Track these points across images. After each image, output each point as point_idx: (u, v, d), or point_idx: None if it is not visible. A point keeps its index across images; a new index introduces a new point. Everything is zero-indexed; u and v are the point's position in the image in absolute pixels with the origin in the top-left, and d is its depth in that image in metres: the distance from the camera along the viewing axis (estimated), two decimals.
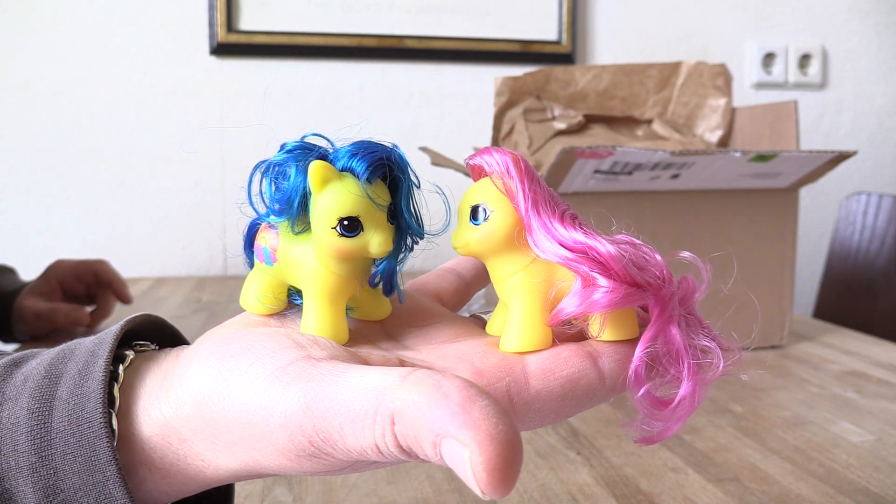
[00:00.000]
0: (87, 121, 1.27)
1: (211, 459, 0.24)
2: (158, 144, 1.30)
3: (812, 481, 0.46)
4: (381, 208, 0.25)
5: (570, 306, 0.24)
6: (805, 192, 0.78)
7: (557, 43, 1.40)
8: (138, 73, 1.28)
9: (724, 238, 0.76)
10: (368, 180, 0.25)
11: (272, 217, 0.26)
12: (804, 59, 1.53)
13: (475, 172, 0.27)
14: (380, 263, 0.27)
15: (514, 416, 0.23)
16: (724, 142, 0.86)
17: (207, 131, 1.31)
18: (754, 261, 0.77)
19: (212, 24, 1.28)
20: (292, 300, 0.28)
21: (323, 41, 1.32)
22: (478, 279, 0.33)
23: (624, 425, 0.27)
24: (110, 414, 0.24)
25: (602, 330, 0.25)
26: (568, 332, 0.26)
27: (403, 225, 0.27)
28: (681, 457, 0.50)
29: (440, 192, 0.27)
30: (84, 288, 0.78)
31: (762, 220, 0.77)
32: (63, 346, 0.27)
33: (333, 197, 0.25)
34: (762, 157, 0.68)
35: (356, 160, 0.25)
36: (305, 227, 0.26)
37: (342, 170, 0.25)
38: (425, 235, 0.27)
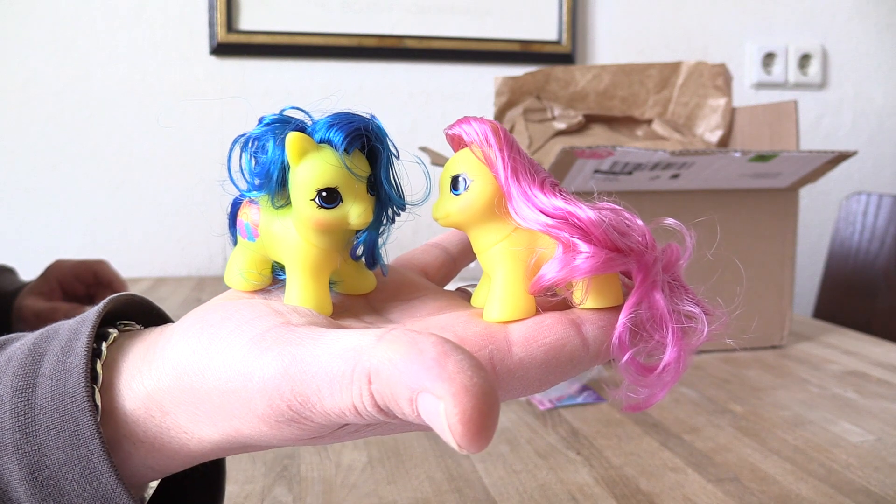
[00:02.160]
0: (87, 121, 1.27)
1: (194, 431, 0.24)
2: (158, 144, 1.30)
3: (812, 481, 0.46)
4: (360, 179, 0.25)
5: (550, 272, 0.24)
6: (805, 192, 0.78)
7: (557, 43, 1.40)
8: (138, 73, 1.28)
9: (724, 238, 0.76)
10: (346, 151, 0.25)
11: (253, 192, 0.26)
12: (804, 59, 1.53)
13: (454, 142, 0.27)
14: (361, 235, 0.27)
15: (497, 383, 0.23)
16: (724, 142, 0.86)
17: (207, 131, 1.31)
18: (754, 261, 0.77)
19: (212, 24, 1.28)
20: (276, 276, 0.28)
21: (323, 41, 1.32)
22: (464, 254, 0.33)
23: (611, 393, 0.27)
24: (93, 389, 0.24)
25: (585, 297, 0.24)
26: (552, 302, 0.25)
27: (383, 196, 0.26)
28: (681, 457, 0.50)
29: (420, 162, 0.27)
30: (84, 288, 0.78)
31: (762, 220, 0.77)
32: (46, 327, 0.26)
33: (311, 168, 0.24)
34: (762, 157, 0.68)
35: (334, 131, 0.25)
36: (286, 201, 0.25)
37: (320, 141, 0.25)
38: (406, 206, 0.27)
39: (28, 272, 0.86)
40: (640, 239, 0.25)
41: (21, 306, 0.72)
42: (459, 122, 0.27)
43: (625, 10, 1.45)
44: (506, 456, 0.50)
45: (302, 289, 0.26)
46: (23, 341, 0.26)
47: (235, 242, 0.29)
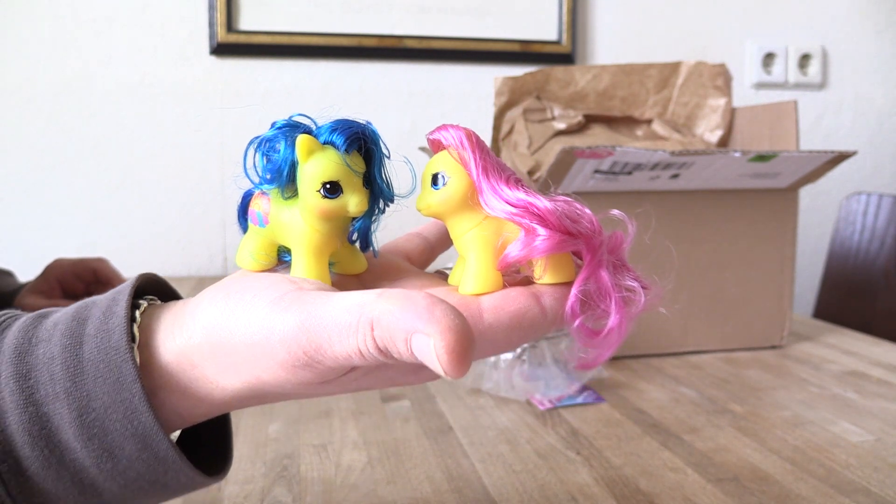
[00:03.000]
0: (87, 121, 1.27)
1: (219, 381, 0.28)
2: (158, 144, 1.30)
3: (812, 481, 0.46)
4: (357, 174, 0.29)
5: (514, 252, 0.29)
6: (805, 192, 0.78)
7: (557, 43, 1.40)
8: (138, 73, 1.28)
9: (724, 238, 0.76)
10: (347, 151, 0.29)
11: (265, 185, 0.30)
12: (804, 59, 1.53)
13: (434, 146, 0.32)
14: (357, 222, 0.31)
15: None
16: (723, 142, 0.86)
17: (207, 131, 1.31)
18: (754, 261, 0.77)
19: (212, 24, 1.28)
20: (281, 258, 0.32)
21: (323, 41, 1.32)
22: (441, 241, 0.38)
23: (567, 358, 0.33)
24: (132, 345, 0.28)
25: (543, 274, 0.29)
26: (516, 278, 0.30)
27: (376, 189, 0.31)
28: (680, 457, 0.50)
29: (407, 161, 0.31)
30: (83, 286, 0.78)
31: (762, 220, 0.77)
32: (81, 301, 0.30)
33: (318, 165, 0.29)
34: (762, 157, 0.68)
35: (336, 134, 0.30)
36: (293, 193, 0.30)
37: (324, 143, 0.29)
38: (395, 198, 0.31)
39: (28, 272, 0.86)
40: (588, 225, 0.30)
41: (21, 305, 0.72)
42: (438, 128, 0.31)
43: (625, 10, 1.45)
44: (505, 456, 0.50)
45: (306, 268, 0.30)
46: (63, 311, 0.30)
47: (245, 230, 0.33)
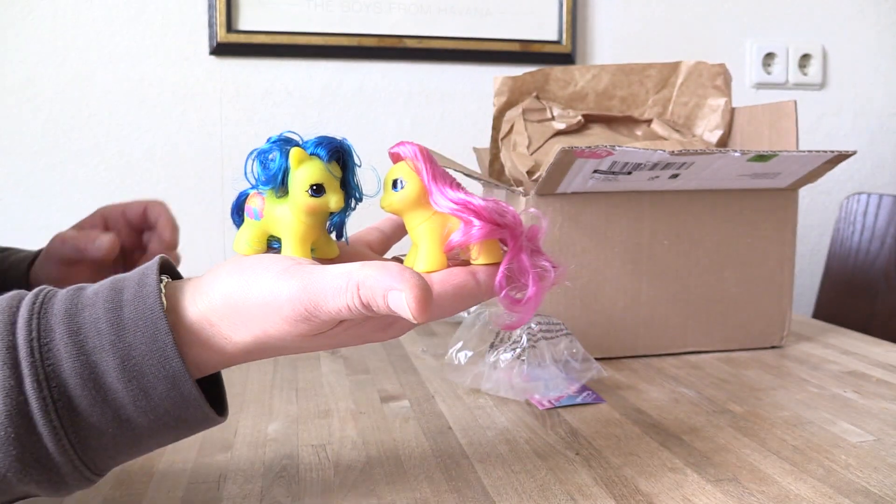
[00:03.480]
0: (87, 121, 1.28)
1: (231, 336, 0.36)
2: (158, 144, 1.30)
3: (811, 481, 0.46)
4: (336, 178, 0.38)
5: (456, 238, 0.38)
6: (805, 192, 0.78)
7: (557, 43, 1.40)
8: (138, 73, 1.28)
9: (724, 238, 0.76)
10: (328, 160, 0.37)
11: (262, 187, 0.38)
12: (804, 59, 1.53)
13: (394, 157, 0.40)
14: (334, 217, 0.39)
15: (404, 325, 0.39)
16: (723, 142, 0.86)
17: (207, 131, 1.31)
18: (754, 261, 0.77)
19: (211, 24, 1.28)
20: (271, 246, 0.40)
21: (323, 41, 1.32)
22: (395, 233, 0.47)
23: (496, 321, 0.46)
24: (163, 308, 0.35)
25: (478, 256, 0.38)
26: (457, 261, 0.39)
27: (349, 190, 0.39)
28: (680, 457, 0.50)
29: (374, 169, 0.39)
30: (134, 235, 0.67)
31: (762, 220, 0.77)
32: (113, 277, 0.37)
33: (306, 171, 0.37)
34: (762, 157, 0.68)
35: (320, 147, 0.38)
36: (284, 193, 0.38)
37: (311, 154, 0.38)
38: (363, 198, 0.40)
39: None
40: (512, 219, 0.38)
41: (61, 238, 0.63)
42: (397, 144, 0.39)
43: (625, 10, 1.45)
44: (505, 456, 0.50)
45: (293, 252, 0.38)
46: (99, 284, 0.37)
47: (238, 225, 0.41)
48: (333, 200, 0.37)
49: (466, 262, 0.39)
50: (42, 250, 0.65)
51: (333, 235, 0.40)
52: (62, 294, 0.36)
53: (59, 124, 1.27)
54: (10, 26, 1.24)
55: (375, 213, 0.42)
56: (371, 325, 0.37)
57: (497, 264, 0.38)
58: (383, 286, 0.32)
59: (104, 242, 0.60)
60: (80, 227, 0.66)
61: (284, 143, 0.38)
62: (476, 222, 0.37)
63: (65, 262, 0.62)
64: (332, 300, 0.33)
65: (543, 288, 0.39)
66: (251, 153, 0.38)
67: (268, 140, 0.39)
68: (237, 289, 0.36)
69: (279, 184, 0.38)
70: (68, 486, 0.35)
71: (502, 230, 0.38)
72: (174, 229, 0.66)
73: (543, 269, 0.39)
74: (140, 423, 0.35)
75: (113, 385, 0.34)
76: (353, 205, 0.40)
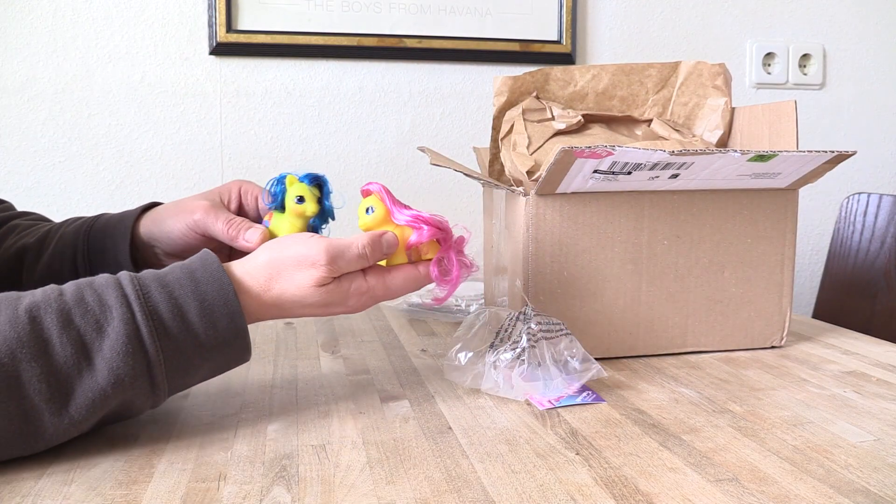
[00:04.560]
0: (87, 121, 1.28)
1: (270, 288, 0.55)
2: (158, 144, 1.30)
3: (811, 481, 0.46)
4: (314, 195, 0.63)
5: (413, 238, 0.59)
6: (805, 192, 0.78)
7: (557, 43, 1.40)
8: (138, 73, 1.28)
9: (723, 238, 0.76)
10: (310, 184, 0.63)
11: (270, 206, 0.65)
12: (804, 59, 1.53)
13: (365, 193, 0.62)
14: (311, 221, 0.65)
15: (386, 291, 0.59)
16: (723, 142, 0.86)
17: (207, 131, 1.31)
18: (754, 261, 0.77)
19: (211, 24, 1.28)
20: None
21: (323, 41, 1.32)
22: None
23: (433, 298, 0.63)
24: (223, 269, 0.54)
25: (427, 252, 0.60)
26: (412, 259, 0.61)
27: (325, 208, 0.65)
28: (680, 457, 0.50)
29: (343, 195, 0.64)
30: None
31: (762, 220, 0.77)
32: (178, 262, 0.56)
33: (295, 188, 0.63)
34: (761, 157, 0.68)
35: (305, 177, 0.63)
36: (283, 210, 0.64)
37: (299, 179, 0.63)
38: (334, 214, 0.65)
39: None
40: (445, 226, 0.60)
41: (201, 207, 0.67)
42: (367, 184, 0.61)
43: (625, 10, 1.45)
44: (504, 456, 0.50)
45: None
46: (169, 266, 0.55)
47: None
48: (310, 207, 0.63)
49: (418, 258, 0.61)
50: (147, 207, 0.71)
51: None
52: (147, 271, 0.53)
53: (59, 124, 1.27)
54: (10, 26, 1.24)
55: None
56: (371, 293, 0.58)
57: (434, 259, 0.60)
58: (379, 233, 0.58)
59: (255, 238, 0.65)
60: (216, 200, 0.69)
61: (282, 177, 0.64)
62: (425, 228, 0.59)
63: (197, 231, 0.67)
64: (349, 252, 0.56)
65: (462, 275, 0.60)
66: (265, 186, 0.65)
67: (273, 179, 0.64)
68: (276, 251, 0.56)
69: (280, 203, 0.64)
70: (154, 395, 0.51)
71: (440, 232, 0.59)
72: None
73: (464, 263, 0.61)
74: (206, 347, 0.52)
75: (193, 319, 0.51)
76: (327, 222, 0.66)
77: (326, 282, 0.55)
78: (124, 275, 0.52)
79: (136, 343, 0.49)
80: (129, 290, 0.50)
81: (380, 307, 1.01)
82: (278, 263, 0.55)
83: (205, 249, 0.55)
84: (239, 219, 0.66)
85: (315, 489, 0.45)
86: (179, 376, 0.52)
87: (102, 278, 0.51)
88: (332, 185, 0.65)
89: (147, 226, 0.69)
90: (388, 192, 0.60)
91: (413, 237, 0.59)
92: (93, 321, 0.48)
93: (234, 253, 0.67)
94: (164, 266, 0.55)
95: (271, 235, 0.63)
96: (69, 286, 0.50)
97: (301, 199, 0.62)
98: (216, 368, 0.54)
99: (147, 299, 0.50)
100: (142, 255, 0.70)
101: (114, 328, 0.48)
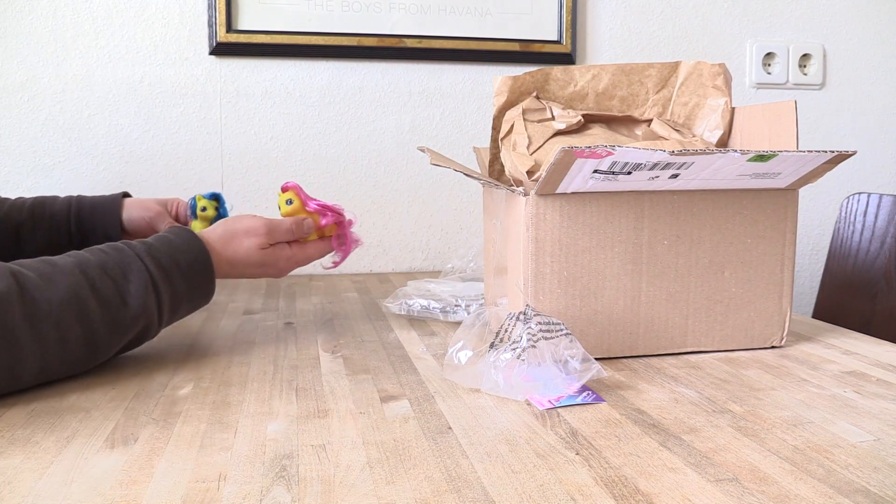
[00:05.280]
0: (87, 121, 1.28)
1: (224, 251, 0.77)
2: (158, 144, 1.30)
3: (811, 481, 0.46)
4: (213, 205, 0.97)
5: (322, 221, 0.83)
6: (805, 192, 0.78)
7: (557, 43, 1.40)
8: (138, 73, 1.28)
9: (723, 238, 0.76)
10: (209, 199, 0.97)
11: (190, 215, 0.98)
12: (804, 59, 1.53)
13: (284, 188, 0.83)
14: (212, 222, 0.94)
15: (304, 258, 0.84)
16: (723, 142, 0.86)
17: (207, 131, 1.31)
18: (754, 261, 0.77)
19: (211, 24, 1.28)
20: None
21: (323, 41, 1.32)
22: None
23: (332, 262, 0.87)
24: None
25: (331, 231, 0.85)
26: (322, 235, 0.85)
27: (221, 213, 0.97)
28: (680, 457, 0.50)
29: (232, 203, 1.07)
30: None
31: (762, 220, 0.77)
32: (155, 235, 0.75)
33: (200, 202, 0.97)
34: (761, 157, 0.68)
35: (208, 194, 0.97)
36: (195, 216, 0.97)
37: (203, 196, 0.97)
38: (229, 213, 0.96)
39: None
40: (341, 211, 0.85)
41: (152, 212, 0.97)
42: (286, 183, 0.84)
43: (625, 10, 1.45)
44: (504, 456, 0.50)
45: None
46: (155, 236, 0.74)
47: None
48: (210, 213, 0.95)
49: (321, 235, 0.84)
50: (123, 202, 0.97)
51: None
52: (135, 242, 0.72)
53: (59, 124, 1.27)
54: (10, 26, 1.24)
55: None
56: (294, 258, 0.82)
57: (336, 235, 0.86)
58: (302, 218, 0.82)
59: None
60: (164, 206, 0.99)
61: (194, 198, 0.97)
62: (329, 213, 0.84)
63: (149, 223, 0.96)
64: (283, 225, 0.80)
65: (352, 246, 0.86)
66: (188, 201, 0.98)
67: (190, 198, 0.97)
68: (230, 225, 0.79)
69: (193, 213, 0.96)
70: (158, 324, 0.71)
71: (339, 216, 0.84)
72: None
73: (353, 238, 0.86)
74: (192, 287, 0.73)
75: (184, 268, 0.72)
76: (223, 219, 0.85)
77: (265, 247, 0.79)
78: (129, 242, 0.71)
79: (151, 285, 0.68)
80: (141, 252, 0.70)
81: (380, 308, 1.01)
82: (232, 232, 0.78)
83: (175, 224, 0.89)
84: (172, 221, 0.97)
85: (315, 489, 0.45)
86: (173, 311, 0.72)
87: (112, 245, 0.70)
88: (230, 198, 1.03)
89: (126, 210, 0.96)
90: (301, 189, 0.83)
91: (322, 220, 0.83)
92: (120, 272, 0.67)
93: None
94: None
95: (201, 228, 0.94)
96: (92, 250, 0.68)
97: (204, 209, 0.95)
98: (192, 307, 0.75)
99: (152, 256, 0.70)
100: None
101: (135, 276, 0.68)
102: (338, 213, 0.84)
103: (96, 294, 0.64)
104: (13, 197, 0.97)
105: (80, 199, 0.95)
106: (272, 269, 0.80)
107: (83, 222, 0.93)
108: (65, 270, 0.64)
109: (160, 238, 0.72)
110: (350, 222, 0.85)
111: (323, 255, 0.84)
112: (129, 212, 0.95)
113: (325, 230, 0.83)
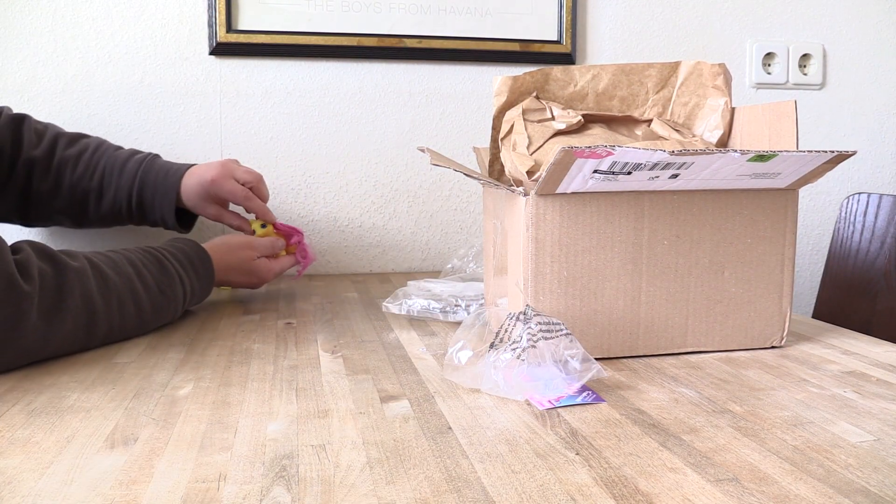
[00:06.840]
0: (87, 121, 1.28)
1: (221, 258, 1.00)
2: (158, 144, 1.30)
3: (811, 482, 0.46)
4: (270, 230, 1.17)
5: (292, 241, 1.11)
6: (805, 192, 0.78)
7: (557, 43, 1.40)
8: (138, 74, 1.28)
9: (723, 238, 0.76)
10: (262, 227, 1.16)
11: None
12: (804, 59, 1.53)
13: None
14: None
15: (279, 269, 1.09)
16: (723, 142, 0.86)
17: (207, 131, 1.31)
18: (754, 261, 0.77)
19: (211, 24, 1.28)
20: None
21: (323, 41, 1.32)
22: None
23: (297, 272, 1.15)
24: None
25: (290, 250, 1.11)
26: (287, 251, 1.11)
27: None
28: (680, 457, 0.50)
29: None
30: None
31: (762, 220, 0.77)
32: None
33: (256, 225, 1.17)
34: (761, 157, 0.68)
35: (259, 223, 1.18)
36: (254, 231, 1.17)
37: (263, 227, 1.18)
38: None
39: None
40: (301, 233, 1.12)
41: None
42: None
43: (625, 10, 1.45)
44: (504, 456, 0.50)
45: None
46: (173, 245, 0.97)
47: None
48: (269, 231, 1.12)
49: (289, 251, 1.10)
50: (186, 172, 1.11)
51: None
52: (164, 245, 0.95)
53: (59, 124, 1.27)
54: (10, 26, 1.24)
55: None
56: (272, 270, 1.06)
57: (297, 250, 1.11)
58: (276, 239, 1.09)
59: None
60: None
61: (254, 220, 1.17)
62: (294, 233, 1.10)
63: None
64: (263, 243, 1.06)
65: (310, 260, 1.11)
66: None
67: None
68: (226, 240, 1.02)
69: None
70: (182, 308, 0.92)
71: (300, 236, 1.10)
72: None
73: (310, 253, 1.11)
74: (202, 285, 0.95)
75: (198, 269, 0.94)
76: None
77: (253, 259, 1.02)
78: (162, 249, 0.91)
79: (178, 282, 0.89)
80: (170, 256, 0.90)
81: (380, 308, 1.01)
82: (229, 246, 1.01)
83: (186, 237, 1.00)
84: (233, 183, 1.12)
85: (315, 489, 0.45)
86: (190, 301, 0.93)
87: (149, 252, 0.89)
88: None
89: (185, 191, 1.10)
90: (272, 217, 1.11)
91: (291, 240, 1.11)
92: (158, 268, 0.87)
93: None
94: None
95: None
96: (137, 252, 0.87)
97: (264, 225, 1.12)
98: (199, 299, 0.97)
99: (178, 260, 0.91)
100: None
101: (169, 273, 0.88)
102: (300, 233, 1.11)
103: (143, 283, 0.83)
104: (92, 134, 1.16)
105: (143, 178, 1.09)
106: (255, 277, 1.03)
107: (143, 202, 1.09)
108: (121, 263, 0.83)
109: (176, 246, 0.94)
110: (306, 245, 1.12)
111: (291, 267, 1.10)
112: (187, 192, 1.09)
113: (290, 248, 1.11)
